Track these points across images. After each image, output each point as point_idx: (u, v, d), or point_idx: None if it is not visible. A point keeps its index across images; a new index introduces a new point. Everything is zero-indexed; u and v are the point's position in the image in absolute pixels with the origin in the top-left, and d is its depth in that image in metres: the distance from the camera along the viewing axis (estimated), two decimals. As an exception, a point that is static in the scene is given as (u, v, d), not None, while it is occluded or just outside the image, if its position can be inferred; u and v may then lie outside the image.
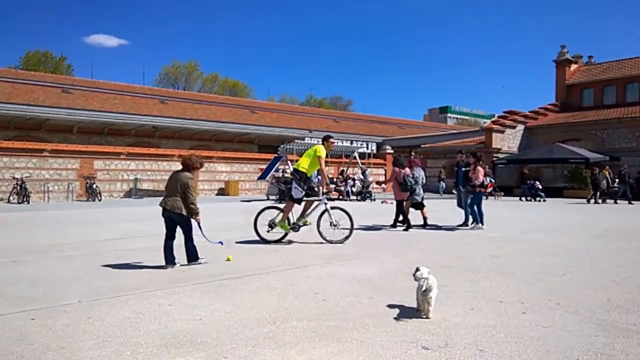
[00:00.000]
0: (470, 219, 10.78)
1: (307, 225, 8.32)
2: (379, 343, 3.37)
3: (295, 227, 8.22)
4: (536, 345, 3.35)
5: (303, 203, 8.29)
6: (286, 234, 8.25)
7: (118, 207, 17.85)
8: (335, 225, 8.12)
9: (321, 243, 8.08)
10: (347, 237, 8.15)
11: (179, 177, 6.16)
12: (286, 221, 8.11)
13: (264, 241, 8.08)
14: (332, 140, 8.69)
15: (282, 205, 8.53)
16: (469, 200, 10.79)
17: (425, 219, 10.94)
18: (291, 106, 53.72)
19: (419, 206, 10.97)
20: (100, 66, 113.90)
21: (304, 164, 8.21)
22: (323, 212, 8.29)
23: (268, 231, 8.15)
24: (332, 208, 8.29)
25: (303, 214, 8.30)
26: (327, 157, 8.38)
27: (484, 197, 11.05)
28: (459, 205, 11.62)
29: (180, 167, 6.40)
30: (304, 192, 8.18)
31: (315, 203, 8.39)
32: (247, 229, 8.88)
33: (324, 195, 8.53)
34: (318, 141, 26.40)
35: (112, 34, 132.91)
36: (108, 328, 3.67)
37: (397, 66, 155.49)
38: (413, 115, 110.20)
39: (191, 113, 35.04)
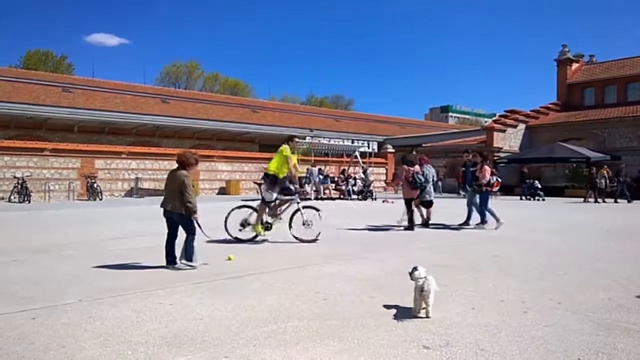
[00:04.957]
0: (480, 218, 10.69)
1: (279, 221, 8.43)
2: (379, 342, 3.37)
3: (269, 226, 8.33)
4: (537, 344, 3.34)
5: (276, 202, 8.43)
6: (257, 234, 8.35)
7: (119, 206, 17.85)
8: (308, 224, 8.21)
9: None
10: (317, 236, 8.20)
11: (176, 175, 6.14)
12: (259, 223, 8.22)
13: (236, 240, 8.15)
14: (296, 139, 8.94)
15: (255, 204, 8.63)
16: (476, 200, 10.77)
17: (428, 218, 10.92)
18: (292, 105, 53.64)
19: (428, 204, 10.93)
20: (101, 65, 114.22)
21: (272, 166, 8.35)
22: (295, 212, 8.40)
23: (240, 230, 8.24)
24: (304, 207, 8.43)
25: (275, 213, 8.43)
26: (294, 153, 8.57)
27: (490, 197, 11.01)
28: (469, 204, 11.57)
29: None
30: (275, 195, 8.32)
31: (288, 203, 8.50)
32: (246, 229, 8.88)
33: (296, 195, 8.61)
34: (320, 140, 26.57)
35: (113, 33, 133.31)
36: (109, 327, 3.67)
37: (398, 65, 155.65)
38: (414, 115, 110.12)
39: (192, 112, 35.00)
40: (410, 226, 10.24)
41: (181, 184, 6.01)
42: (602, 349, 3.26)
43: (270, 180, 8.28)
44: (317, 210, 8.42)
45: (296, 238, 8.18)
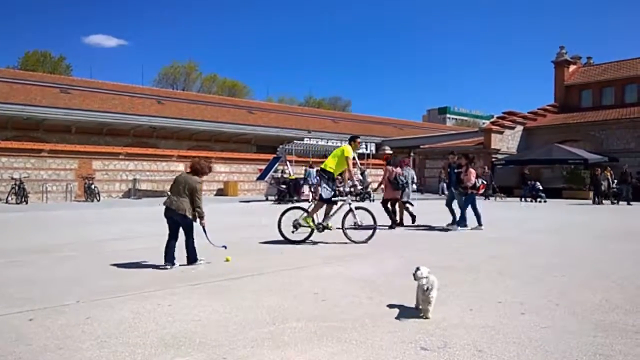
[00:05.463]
0: (474, 221, 10.74)
1: (329, 229, 8.27)
2: (378, 343, 3.37)
3: (320, 228, 8.18)
4: (535, 345, 3.34)
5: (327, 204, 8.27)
6: (311, 233, 8.20)
7: (117, 207, 17.81)
8: (359, 225, 8.13)
9: (320, 243, 8.08)
10: (370, 237, 8.15)
11: (188, 180, 6.16)
12: (312, 219, 8.08)
13: (288, 241, 8.06)
14: (358, 140, 8.80)
15: (305, 206, 8.57)
16: (461, 201, 10.82)
17: (413, 216, 11.18)
18: (289, 106, 53.67)
19: (405, 204, 11.17)
20: (99, 66, 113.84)
21: (331, 163, 8.23)
22: (347, 212, 8.29)
23: (293, 232, 8.13)
24: (356, 208, 8.30)
25: (327, 215, 8.28)
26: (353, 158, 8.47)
27: (478, 198, 11.11)
28: (448, 205, 11.63)
29: (182, 168, 6.40)
30: (333, 192, 8.19)
31: (340, 203, 8.39)
32: (246, 230, 8.87)
33: (348, 196, 8.54)
34: (318, 141, 26.53)
35: (111, 34, 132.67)
36: (106, 329, 3.66)
37: (396, 67, 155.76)
38: (412, 116, 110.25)
39: (188, 113, 34.95)
40: (394, 225, 10.50)
41: (193, 190, 6.09)
42: (600, 351, 3.26)
43: (328, 177, 8.15)
44: (370, 212, 8.26)
45: (348, 238, 8.11)
